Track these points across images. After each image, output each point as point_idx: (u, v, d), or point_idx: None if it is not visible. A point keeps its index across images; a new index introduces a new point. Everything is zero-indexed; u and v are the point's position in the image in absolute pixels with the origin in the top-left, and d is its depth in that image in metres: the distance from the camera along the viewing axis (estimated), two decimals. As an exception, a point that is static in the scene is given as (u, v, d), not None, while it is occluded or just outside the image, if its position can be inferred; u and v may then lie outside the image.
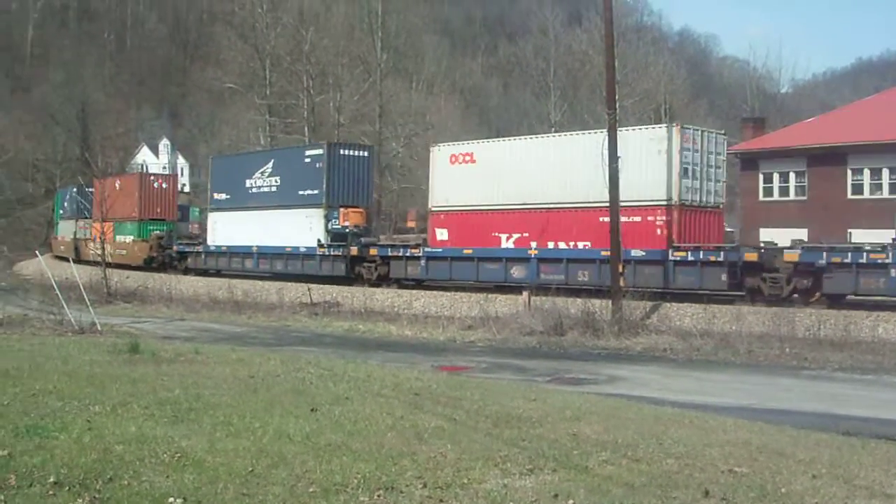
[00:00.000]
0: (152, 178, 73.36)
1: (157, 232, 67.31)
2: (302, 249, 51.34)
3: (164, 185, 71.69)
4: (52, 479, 8.81)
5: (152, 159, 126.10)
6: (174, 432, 11.31)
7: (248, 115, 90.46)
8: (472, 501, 8.88)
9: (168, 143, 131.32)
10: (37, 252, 58.14)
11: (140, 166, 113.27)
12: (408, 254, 46.04)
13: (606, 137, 33.78)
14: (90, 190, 76.40)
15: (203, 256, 61.03)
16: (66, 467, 9.29)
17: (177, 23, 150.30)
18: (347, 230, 49.43)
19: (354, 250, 48.11)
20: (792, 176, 54.89)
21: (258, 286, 49.93)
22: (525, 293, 37.28)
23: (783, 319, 30.63)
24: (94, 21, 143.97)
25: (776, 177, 55.73)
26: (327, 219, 50.65)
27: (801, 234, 44.99)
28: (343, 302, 44.36)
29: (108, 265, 57.70)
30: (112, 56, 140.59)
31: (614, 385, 22.17)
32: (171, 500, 8.42)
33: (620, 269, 33.90)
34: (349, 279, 49.21)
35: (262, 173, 56.53)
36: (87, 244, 70.39)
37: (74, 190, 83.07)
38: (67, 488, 8.60)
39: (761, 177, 56.52)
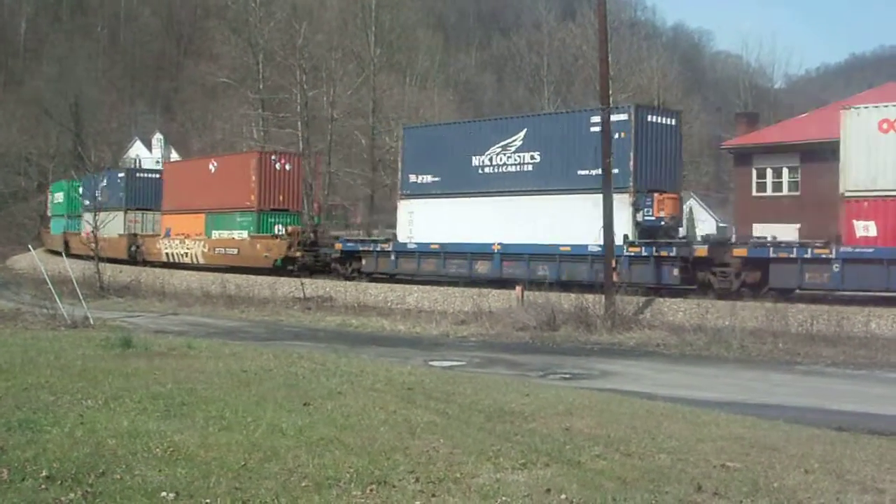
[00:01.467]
0: (273, 157, 57.83)
1: (295, 226, 54.42)
2: (591, 249, 37.45)
3: (287, 167, 56.91)
4: (44, 474, 8.82)
5: (145, 153, 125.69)
6: (167, 426, 11.32)
7: (241, 109, 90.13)
8: (464, 496, 8.88)
9: (161, 137, 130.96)
10: (29, 246, 58.16)
11: (133, 160, 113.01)
12: (807, 255, 33.46)
13: None
14: (146, 175, 72.14)
15: (392, 257, 46.15)
16: (59, 461, 9.29)
17: (170, 17, 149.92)
18: (662, 223, 38.54)
19: (702, 251, 36.18)
20: (785, 171, 54.94)
21: (251, 280, 49.82)
22: (518, 287, 37.24)
23: (776, 315, 30.63)
24: (88, 15, 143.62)
25: (769, 172, 55.76)
26: (636, 208, 38.50)
27: (794, 229, 45.14)
28: (336, 296, 44.32)
29: (201, 268, 56.78)
30: (105, 50, 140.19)
31: (607, 380, 22.19)
32: (164, 494, 8.42)
33: (613, 264, 33.89)
34: (681, 289, 37.76)
35: (503, 148, 42.51)
36: (155, 242, 63.81)
37: (120, 175, 71.95)
38: (60, 482, 8.60)
39: (754, 172, 56.56)
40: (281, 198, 56.32)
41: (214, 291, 47.19)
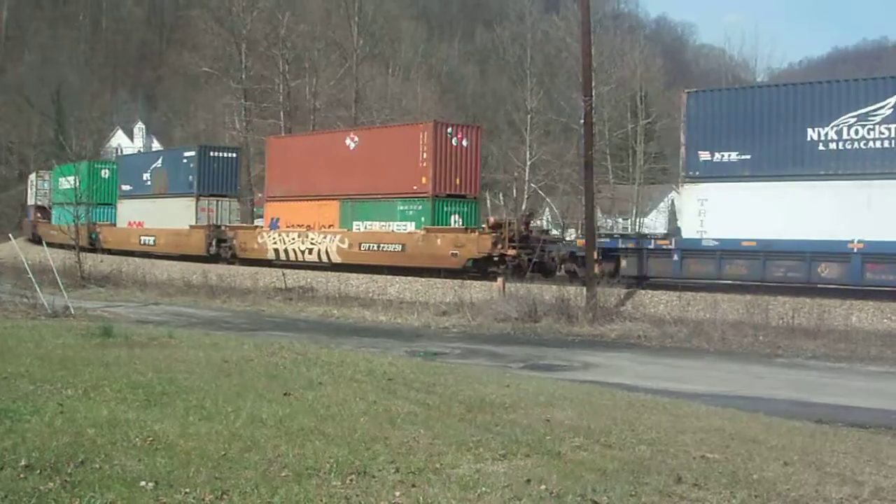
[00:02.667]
0: (448, 129, 45.82)
1: (496, 217, 47.31)
2: None
3: (464, 142, 45.54)
4: (23, 463, 8.77)
5: (127, 143, 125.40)
6: (146, 416, 11.29)
7: (223, 99, 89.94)
8: (444, 486, 8.87)
9: (143, 126, 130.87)
10: (10, 235, 57.92)
11: (115, 150, 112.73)
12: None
13: None
14: (221, 154, 60.46)
15: (675, 258, 36.13)
16: (38, 450, 9.25)
17: (152, 6, 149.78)
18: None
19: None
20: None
21: (233, 271, 49.73)
22: (500, 279, 37.29)
23: (757, 307, 30.76)
24: (70, 3, 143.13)
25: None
26: None
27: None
28: (317, 287, 44.26)
29: (336, 268, 46.44)
30: (87, 39, 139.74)
31: (588, 371, 22.25)
32: (143, 483, 8.39)
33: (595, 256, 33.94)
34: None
35: (863, 117, 33.04)
36: (255, 236, 52.66)
37: (187, 155, 60.45)
38: (39, 471, 8.56)
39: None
40: (457, 181, 45.32)
41: (196, 281, 47.11)
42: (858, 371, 23.19)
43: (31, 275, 31.90)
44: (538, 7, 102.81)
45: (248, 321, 33.70)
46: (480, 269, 41.20)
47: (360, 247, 46.10)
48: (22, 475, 8.45)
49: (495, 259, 40.43)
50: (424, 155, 44.12)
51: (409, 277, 42.53)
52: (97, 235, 65.45)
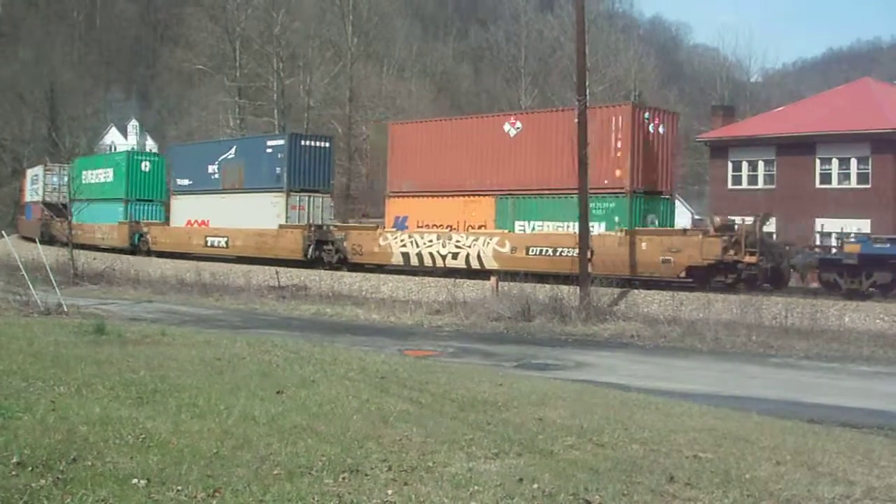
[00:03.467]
0: (646, 114, 39.32)
1: (720, 218, 38.57)
2: None
3: (661, 130, 39.65)
4: (15, 460, 8.77)
5: (121, 140, 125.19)
6: (139, 413, 11.29)
7: (217, 97, 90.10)
8: (436, 485, 8.87)
9: (137, 124, 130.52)
10: (2, 232, 57.66)
11: (108, 148, 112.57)
12: None
13: None
14: (314, 143, 53.04)
15: None
16: (30, 448, 9.24)
17: (147, 3, 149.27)
18: None
19: None
20: (760, 164, 55.11)
21: (226, 269, 49.67)
22: (493, 278, 37.29)
23: (750, 307, 30.79)
24: (64, 0, 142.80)
25: (745, 165, 55.92)
26: None
27: (770, 222, 45.28)
28: (311, 285, 44.24)
29: (484, 273, 40.15)
30: (81, 36, 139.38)
31: (581, 370, 22.24)
32: (135, 480, 8.39)
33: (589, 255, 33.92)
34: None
35: None
36: (375, 237, 45.28)
37: (274, 144, 53.23)
38: (31, 468, 8.56)
39: (730, 165, 56.75)
40: (654, 176, 39.44)
41: (189, 279, 47.04)
42: (851, 371, 23.20)
43: (24, 272, 31.84)
44: (532, 6, 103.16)
45: (241, 319, 33.66)
46: (700, 278, 35.93)
47: (527, 251, 39.36)
48: (14, 472, 8.44)
49: (722, 267, 35.20)
50: (619, 143, 37.84)
51: (403, 276, 42.47)
52: (142, 236, 61.02)
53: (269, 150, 52.71)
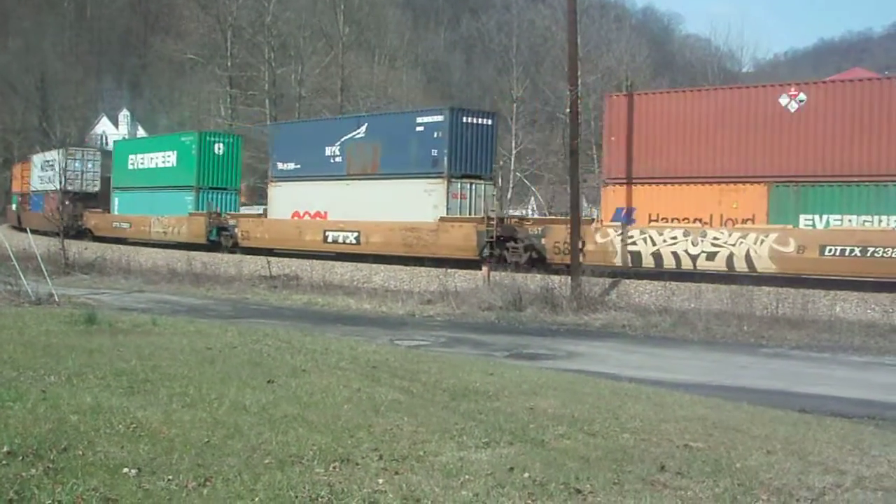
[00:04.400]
0: None
1: None
2: None
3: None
4: (5, 449, 8.74)
5: (112, 130, 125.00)
6: (130, 403, 11.27)
7: (208, 86, 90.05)
8: (427, 474, 8.88)
9: (128, 113, 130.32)
10: None
11: (99, 138, 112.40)
12: None
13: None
14: (475, 120, 43.30)
15: None
16: (21, 437, 9.22)
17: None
18: None
19: None
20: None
21: (217, 258, 49.60)
22: (485, 268, 37.28)
23: (741, 297, 30.81)
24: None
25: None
26: None
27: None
28: (302, 275, 44.19)
29: (755, 279, 32.83)
30: (72, 25, 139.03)
31: (572, 360, 22.26)
32: (126, 470, 8.37)
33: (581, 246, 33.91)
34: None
35: None
36: (594, 234, 35.87)
37: (427, 122, 43.31)
38: (21, 458, 8.53)
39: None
40: None
41: (180, 269, 46.99)
42: (842, 361, 23.24)
43: (14, 262, 31.80)
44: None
45: (232, 309, 33.65)
46: None
47: (822, 251, 31.17)
48: (4, 462, 8.42)
49: None
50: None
51: (394, 266, 42.41)
52: (224, 230, 52.93)
53: (419, 129, 43.64)
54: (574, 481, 8.89)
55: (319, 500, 7.95)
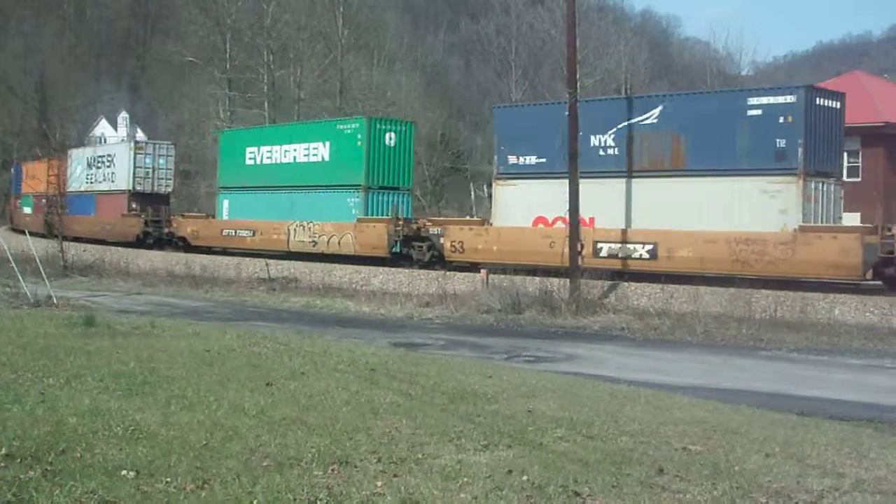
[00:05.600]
0: None
1: None
2: None
3: None
4: (3, 451, 8.77)
5: (111, 132, 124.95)
6: (128, 405, 11.29)
7: (207, 88, 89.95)
8: (426, 476, 8.89)
9: (127, 115, 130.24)
10: None
11: (99, 139, 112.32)
12: None
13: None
14: (828, 102, 34.36)
15: None
16: (19, 439, 9.25)
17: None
18: None
19: None
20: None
21: (216, 261, 49.53)
22: (483, 271, 37.27)
23: (740, 300, 30.78)
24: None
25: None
26: None
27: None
28: (301, 278, 44.13)
29: None
30: (71, 27, 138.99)
31: (571, 363, 22.25)
32: (124, 472, 8.40)
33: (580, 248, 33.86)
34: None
35: None
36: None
37: (784, 103, 33.40)
38: (19, 460, 8.56)
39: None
40: None
41: (179, 271, 46.95)
42: (840, 364, 23.22)
43: (13, 264, 31.79)
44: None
45: (230, 311, 33.63)
46: None
47: None
48: (2, 464, 8.44)
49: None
50: None
51: (393, 269, 42.37)
52: (414, 240, 43.15)
53: (752, 112, 34.46)
54: (573, 484, 8.90)
55: (318, 502, 7.98)
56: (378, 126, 46.37)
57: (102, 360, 14.98)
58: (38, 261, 34.36)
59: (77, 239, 58.58)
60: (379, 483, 8.57)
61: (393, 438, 10.37)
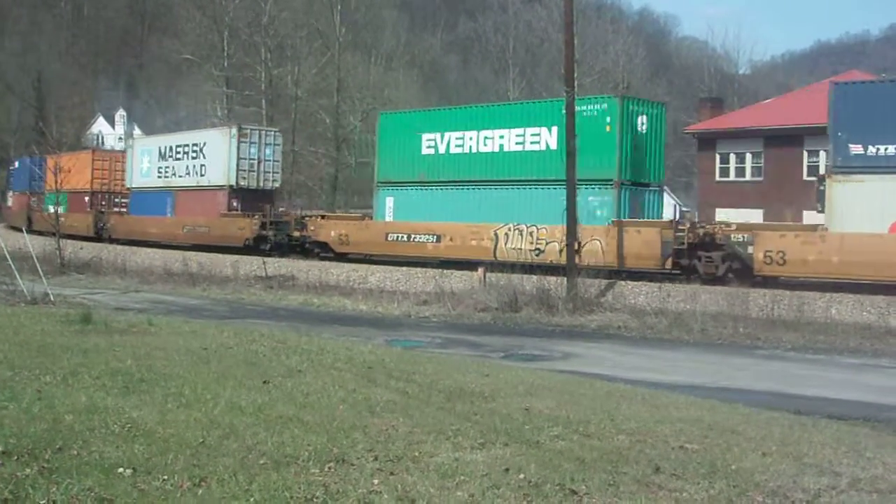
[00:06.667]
0: None
1: None
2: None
3: None
4: (0, 449, 8.74)
5: (108, 130, 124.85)
6: (125, 403, 11.28)
7: (205, 86, 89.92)
8: (423, 474, 8.88)
9: (124, 113, 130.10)
10: None
11: (96, 137, 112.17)
12: None
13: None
14: None
15: None
16: (16, 437, 9.23)
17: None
18: None
19: None
20: (748, 157, 55.33)
21: (213, 259, 49.43)
22: (480, 269, 37.23)
23: (737, 299, 30.81)
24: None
25: (732, 157, 56.15)
26: None
27: (757, 214, 45.38)
28: (298, 276, 44.09)
29: None
30: (69, 25, 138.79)
31: (568, 361, 22.26)
32: (121, 470, 8.38)
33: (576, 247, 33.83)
34: None
35: None
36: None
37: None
38: (16, 458, 8.54)
39: (718, 157, 56.98)
40: None
41: (176, 269, 46.87)
42: (837, 363, 23.25)
43: (10, 261, 31.75)
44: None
45: (228, 309, 33.61)
46: None
47: None
48: (-1, 461, 8.43)
49: None
50: None
51: (390, 267, 42.31)
52: (697, 251, 34.54)
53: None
54: (569, 482, 8.90)
55: (315, 500, 7.97)
56: (630, 107, 37.94)
57: (99, 357, 14.96)
58: (34, 258, 34.31)
59: (135, 243, 54.67)
60: (376, 481, 8.57)
61: (390, 436, 10.37)
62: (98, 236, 58.64)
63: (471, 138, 40.97)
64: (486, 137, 40.44)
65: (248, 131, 51.61)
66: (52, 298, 28.88)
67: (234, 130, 50.74)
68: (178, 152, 55.17)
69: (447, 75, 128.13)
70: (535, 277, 34.70)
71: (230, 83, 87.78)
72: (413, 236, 41.95)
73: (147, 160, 57.85)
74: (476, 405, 12.94)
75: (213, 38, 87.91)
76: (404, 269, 41.43)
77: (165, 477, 8.28)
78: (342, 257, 46.08)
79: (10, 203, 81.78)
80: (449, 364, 18.14)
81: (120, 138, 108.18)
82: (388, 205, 44.01)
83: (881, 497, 9.38)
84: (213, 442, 9.62)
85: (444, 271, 39.13)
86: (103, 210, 62.59)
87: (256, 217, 49.03)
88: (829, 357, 24.16)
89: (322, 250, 46.75)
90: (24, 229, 47.86)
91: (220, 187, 51.52)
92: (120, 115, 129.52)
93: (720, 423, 12.72)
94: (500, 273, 35.30)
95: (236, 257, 48.16)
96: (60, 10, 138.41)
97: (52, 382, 12.45)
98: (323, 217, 48.76)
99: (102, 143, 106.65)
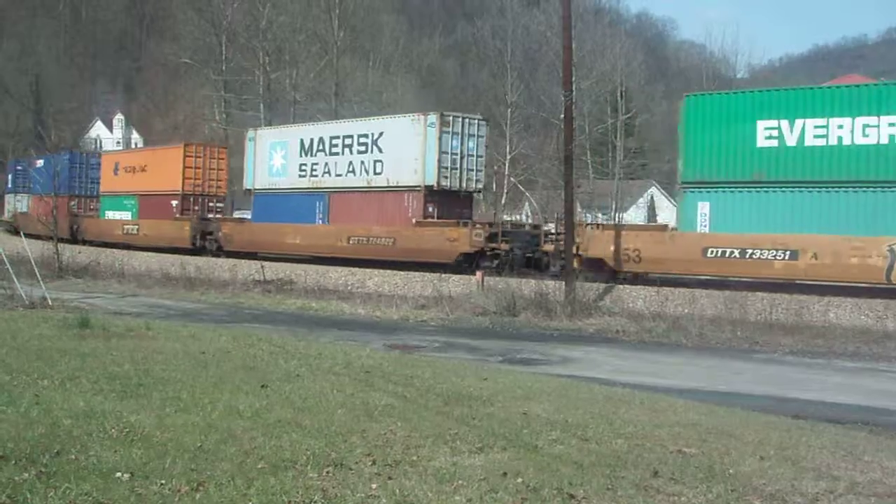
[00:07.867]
0: None
1: None
2: None
3: None
4: (-2, 453, 8.75)
5: (106, 134, 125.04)
6: (123, 407, 11.27)
7: (203, 90, 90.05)
8: (421, 479, 8.88)
9: (122, 117, 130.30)
10: None
11: (94, 141, 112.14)
12: None
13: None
14: None
15: None
16: (13, 441, 9.22)
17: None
18: None
19: None
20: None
21: (211, 263, 49.36)
22: (479, 273, 37.23)
23: (735, 303, 30.79)
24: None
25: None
26: None
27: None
28: (296, 280, 44.04)
29: None
30: (67, 28, 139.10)
31: (566, 366, 22.24)
32: (119, 474, 8.38)
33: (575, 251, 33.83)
34: None
35: None
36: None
37: None
38: (14, 462, 8.54)
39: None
40: None
41: (174, 273, 46.80)
42: (835, 367, 23.24)
43: (7, 265, 31.71)
44: (519, 1, 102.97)
45: (226, 313, 33.57)
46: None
47: None
48: (-3, 466, 8.43)
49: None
50: None
51: (389, 271, 42.25)
52: None
53: None
54: (567, 486, 8.90)
55: (313, 504, 7.97)
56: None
57: (97, 361, 14.96)
58: (32, 262, 34.28)
59: (268, 258, 47.67)
60: (374, 485, 8.57)
61: (388, 441, 10.37)
62: (196, 247, 51.78)
63: (840, 126, 30.97)
64: (865, 125, 30.54)
65: (451, 119, 41.27)
66: (49, 302, 28.86)
67: (434, 118, 40.86)
68: (333, 145, 45.53)
69: (445, 79, 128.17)
70: (533, 281, 34.71)
71: (228, 87, 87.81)
72: (751, 252, 32.01)
73: (280, 155, 48.46)
74: (474, 409, 12.93)
75: (211, 41, 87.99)
76: (402, 273, 41.18)
77: (163, 481, 8.28)
78: (616, 276, 35.57)
79: (25, 208, 69.90)
80: (447, 368, 18.12)
81: (118, 142, 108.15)
82: (700, 211, 33.73)
83: (879, 501, 9.38)
84: (211, 446, 9.62)
85: (442, 275, 39.00)
86: (208, 217, 53.57)
87: (479, 226, 39.94)
88: (827, 361, 24.16)
89: (590, 269, 35.87)
90: (22, 233, 46.93)
91: (412, 189, 41.58)
92: (118, 118, 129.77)
93: (718, 427, 12.72)
94: (500, 277, 35.28)
95: (234, 262, 48.01)
96: (58, 14, 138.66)
97: (49, 387, 12.45)
98: (598, 226, 38.46)
99: (101, 146, 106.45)
